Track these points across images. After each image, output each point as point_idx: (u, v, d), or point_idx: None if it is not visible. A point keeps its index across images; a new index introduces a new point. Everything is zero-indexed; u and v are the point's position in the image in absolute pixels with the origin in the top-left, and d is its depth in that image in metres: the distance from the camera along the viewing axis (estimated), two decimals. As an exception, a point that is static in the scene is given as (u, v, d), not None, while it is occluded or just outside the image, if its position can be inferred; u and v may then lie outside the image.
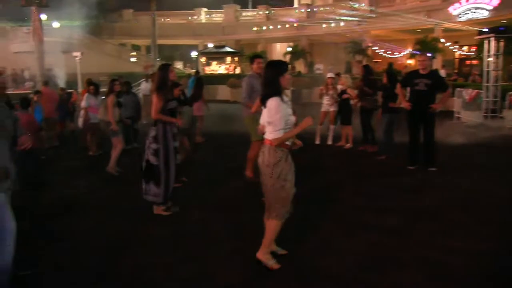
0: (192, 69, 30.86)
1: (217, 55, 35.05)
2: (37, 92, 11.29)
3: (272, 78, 4.19)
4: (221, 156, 10.05)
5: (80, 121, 10.89)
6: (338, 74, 12.44)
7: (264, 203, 4.40)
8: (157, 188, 5.90)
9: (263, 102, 4.24)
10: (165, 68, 6.01)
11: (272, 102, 4.11)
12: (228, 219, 5.86)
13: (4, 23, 33.64)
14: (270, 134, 4.19)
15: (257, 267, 4.34)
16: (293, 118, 4.20)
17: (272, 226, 4.32)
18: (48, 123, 11.29)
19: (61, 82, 20.94)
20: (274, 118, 4.09)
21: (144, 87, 16.93)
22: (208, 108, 12.42)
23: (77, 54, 23.27)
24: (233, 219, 5.85)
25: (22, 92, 18.26)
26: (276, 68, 4.25)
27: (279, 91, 4.15)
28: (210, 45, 38.23)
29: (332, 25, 33.99)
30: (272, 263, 4.36)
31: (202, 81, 10.59)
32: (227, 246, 4.95)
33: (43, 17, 27.30)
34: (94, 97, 10.41)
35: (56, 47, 27.94)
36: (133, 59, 37.47)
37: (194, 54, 42.33)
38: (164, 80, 5.91)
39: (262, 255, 4.39)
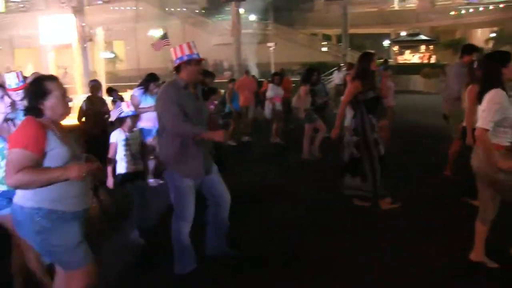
0: (383, 58, 29.81)
1: (411, 44, 33.31)
2: (232, 81, 11.94)
3: (494, 69, 3.77)
4: (413, 151, 9.30)
5: (267, 111, 11.21)
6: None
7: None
8: (363, 182, 5.64)
9: (480, 98, 3.76)
10: (367, 56, 5.68)
11: (491, 92, 3.65)
12: (425, 215, 5.46)
13: (208, 18, 36.75)
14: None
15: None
16: None
17: (476, 227, 3.96)
18: (245, 110, 11.86)
19: (255, 72, 21.99)
20: (486, 107, 3.62)
21: (336, 77, 16.78)
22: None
23: (271, 44, 24.17)
24: (430, 215, 5.44)
25: (221, 81, 19.55)
26: (499, 58, 3.86)
27: (501, 83, 3.69)
28: (403, 33, 36.55)
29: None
30: (489, 263, 3.95)
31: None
32: (428, 243, 4.59)
33: (241, 10, 28.95)
34: (277, 87, 10.64)
35: (251, 39, 29.50)
36: (324, 49, 37.73)
37: (386, 43, 40.90)
38: (364, 69, 5.58)
39: (474, 256, 3.98)
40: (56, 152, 2.80)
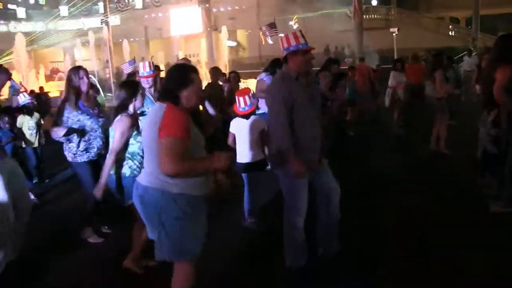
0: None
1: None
2: (351, 68, 11.83)
3: None
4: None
5: (387, 100, 10.88)
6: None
7: None
8: (493, 180, 5.12)
9: None
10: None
11: None
12: None
13: (328, 4, 36.45)
14: None
15: None
16: None
17: None
18: (361, 99, 11.73)
19: (375, 59, 21.52)
20: None
21: (466, 62, 15.81)
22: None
23: (394, 30, 23.39)
24: None
25: (342, 68, 19.48)
26: None
27: None
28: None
29: None
30: None
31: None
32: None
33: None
34: (400, 73, 10.36)
35: (374, 24, 28.71)
36: (451, 33, 35.56)
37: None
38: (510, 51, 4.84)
39: None
40: (193, 139, 2.89)
